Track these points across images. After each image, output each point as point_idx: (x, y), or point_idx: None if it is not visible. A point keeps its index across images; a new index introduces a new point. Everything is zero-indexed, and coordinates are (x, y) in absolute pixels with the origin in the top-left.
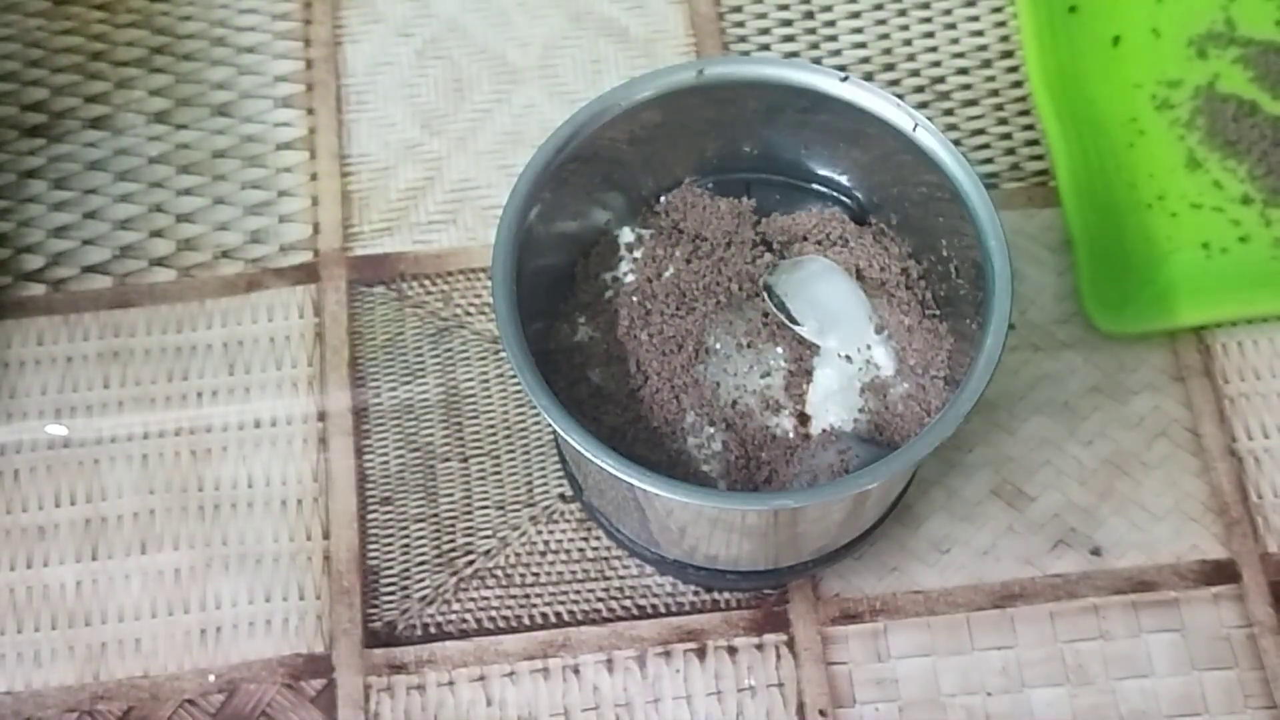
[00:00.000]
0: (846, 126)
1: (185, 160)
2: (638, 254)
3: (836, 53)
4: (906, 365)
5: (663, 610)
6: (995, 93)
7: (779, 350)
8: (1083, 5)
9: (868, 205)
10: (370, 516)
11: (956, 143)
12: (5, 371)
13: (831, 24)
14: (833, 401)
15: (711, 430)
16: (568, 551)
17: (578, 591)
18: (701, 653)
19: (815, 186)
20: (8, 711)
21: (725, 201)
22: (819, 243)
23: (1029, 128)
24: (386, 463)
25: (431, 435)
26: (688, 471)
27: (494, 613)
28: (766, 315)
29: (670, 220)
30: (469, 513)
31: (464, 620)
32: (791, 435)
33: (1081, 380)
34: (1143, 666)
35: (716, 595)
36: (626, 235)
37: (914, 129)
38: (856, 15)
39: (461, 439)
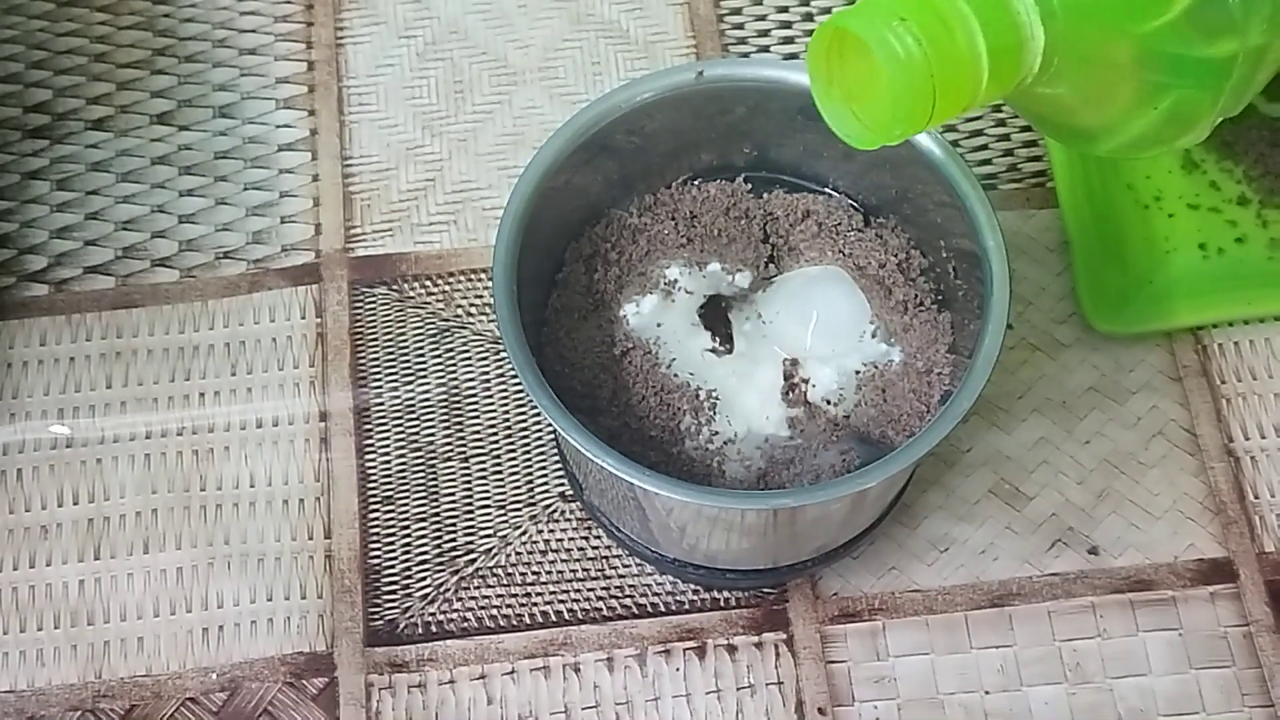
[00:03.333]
0: None
1: (187, 161)
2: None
3: None
4: (905, 364)
5: (663, 609)
6: None
7: (778, 350)
8: None
9: (866, 206)
10: (371, 516)
11: (955, 144)
12: (8, 372)
13: None
14: (832, 400)
15: (710, 430)
16: (568, 550)
17: (578, 590)
18: (701, 651)
19: (814, 187)
20: (11, 710)
21: (714, 185)
22: (820, 224)
23: (1027, 128)
24: (388, 462)
25: (432, 435)
26: (687, 471)
27: (495, 611)
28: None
29: (667, 210)
30: (470, 512)
31: (465, 619)
32: (791, 435)
33: (1079, 380)
34: (1140, 665)
35: (716, 594)
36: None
37: None
38: None
39: (462, 439)
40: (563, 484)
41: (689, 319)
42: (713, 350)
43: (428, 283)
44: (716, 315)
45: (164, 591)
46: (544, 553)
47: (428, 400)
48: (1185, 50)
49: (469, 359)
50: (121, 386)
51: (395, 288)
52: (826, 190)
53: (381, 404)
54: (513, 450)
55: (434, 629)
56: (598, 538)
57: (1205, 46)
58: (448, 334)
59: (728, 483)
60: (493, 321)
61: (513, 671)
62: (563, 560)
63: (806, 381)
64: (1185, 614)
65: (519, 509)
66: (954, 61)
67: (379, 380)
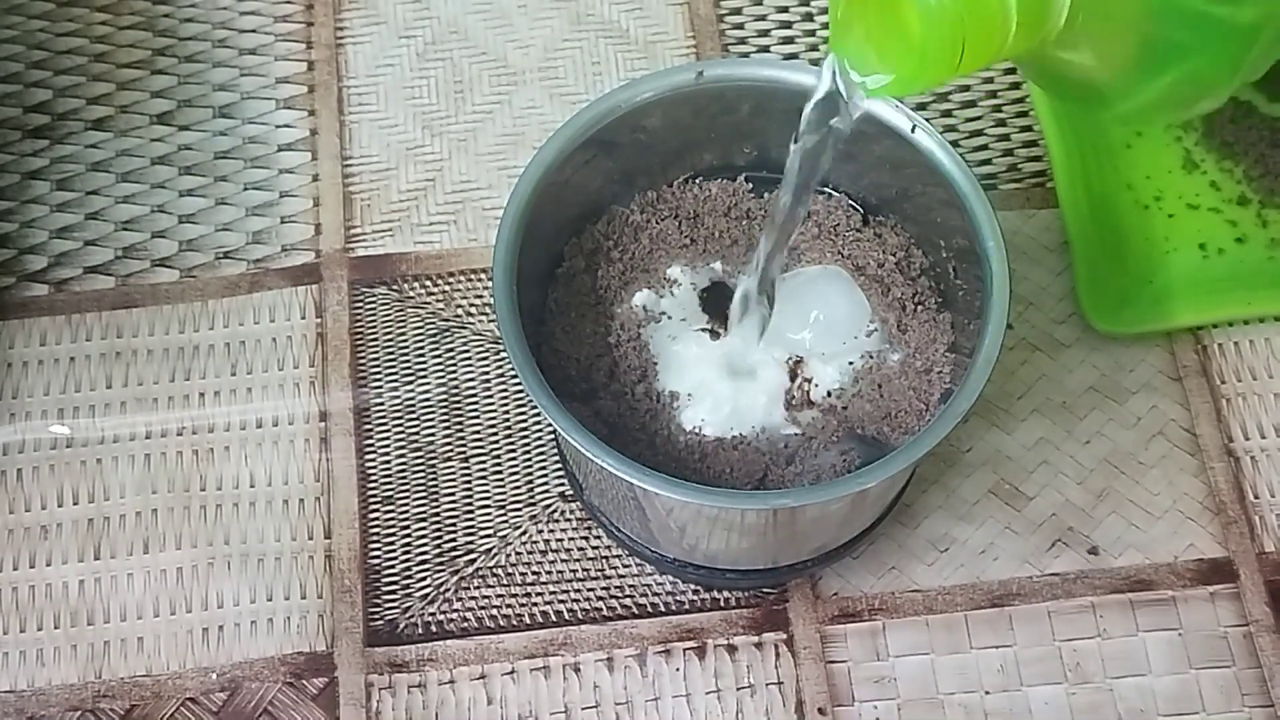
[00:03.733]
0: None
1: (187, 161)
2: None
3: None
4: (905, 363)
5: (662, 609)
6: (993, 94)
7: (777, 350)
8: None
9: (866, 206)
10: (371, 516)
11: (955, 144)
12: (8, 372)
13: None
14: (832, 400)
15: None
16: (568, 550)
17: (578, 590)
18: (701, 651)
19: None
20: (11, 710)
21: (716, 184)
22: (819, 225)
23: (1027, 129)
24: (388, 462)
25: (432, 435)
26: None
27: (495, 611)
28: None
29: (669, 208)
30: (470, 512)
31: (465, 619)
32: (791, 434)
33: (1079, 380)
34: (1140, 665)
35: (716, 594)
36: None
37: (912, 130)
38: None
39: (462, 438)
40: (563, 484)
41: (690, 307)
42: (710, 330)
43: (428, 283)
44: (718, 300)
45: (164, 591)
46: (544, 553)
47: (428, 400)
48: (1208, 9)
49: (469, 359)
50: (121, 386)
51: (395, 288)
52: (826, 190)
53: (381, 404)
54: (513, 450)
55: (434, 629)
56: (598, 538)
57: (1228, 6)
58: (448, 334)
59: (726, 480)
60: (493, 321)
61: (513, 671)
62: (563, 560)
63: (809, 381)
64: (1185, 614)
65: (519, 509)
66: (984, 9)
67: (379, 380)
